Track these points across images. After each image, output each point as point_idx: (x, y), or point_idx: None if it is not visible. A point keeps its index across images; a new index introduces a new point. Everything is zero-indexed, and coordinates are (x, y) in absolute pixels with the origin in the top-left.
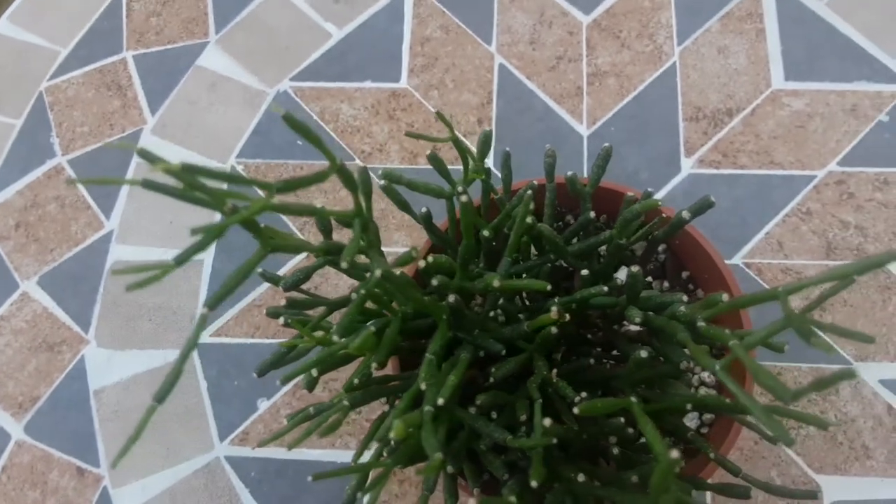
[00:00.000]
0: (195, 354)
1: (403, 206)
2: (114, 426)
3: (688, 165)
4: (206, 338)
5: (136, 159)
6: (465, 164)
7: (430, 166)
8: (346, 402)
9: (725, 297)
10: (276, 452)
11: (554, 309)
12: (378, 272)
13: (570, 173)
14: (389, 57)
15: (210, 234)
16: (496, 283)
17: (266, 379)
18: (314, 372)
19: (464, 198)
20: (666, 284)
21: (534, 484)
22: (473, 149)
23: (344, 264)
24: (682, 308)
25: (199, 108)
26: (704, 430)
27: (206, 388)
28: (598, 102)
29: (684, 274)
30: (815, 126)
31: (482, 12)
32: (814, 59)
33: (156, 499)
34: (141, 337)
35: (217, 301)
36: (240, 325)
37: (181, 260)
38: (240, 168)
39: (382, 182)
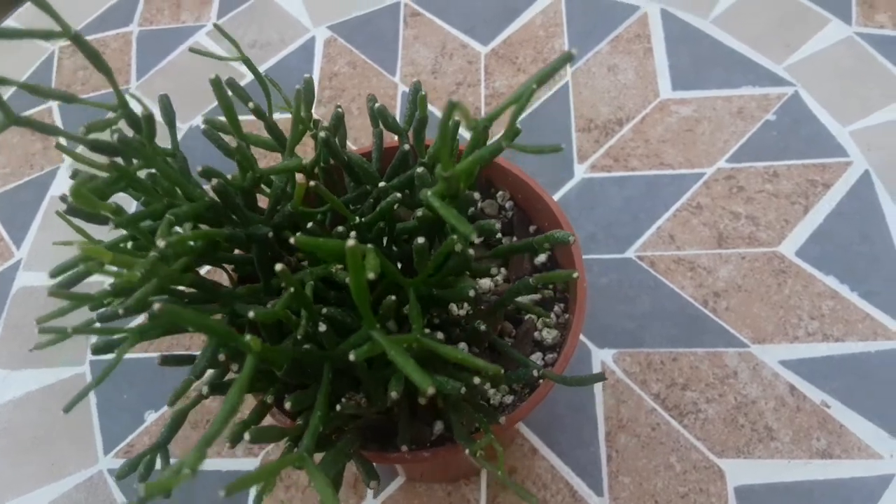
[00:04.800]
0: (87, 371)
1: (228, 152)
2: (3, 442)
3: (581, 171)
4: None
5: (49, 192)
6: (265, 88)
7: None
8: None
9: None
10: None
11: (299, 176)
12: (117, 139)
13: (377, 105)
14: None
15: None
16: (235, 143)
17: (155, 391)
18: (108, 286)
19: (220, 83)
20: (515, 239)
21: (251, 315)
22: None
23: (82, 131)
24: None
25: None
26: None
27: (95, 403)
28: (496, 120)
29: (531, 228)
30: (702, 129)
31: (387, 49)
32: (700, 70)
33: None
34: (37, 357)
35: None
36: None
37: None
38: None
39: (203, 127)
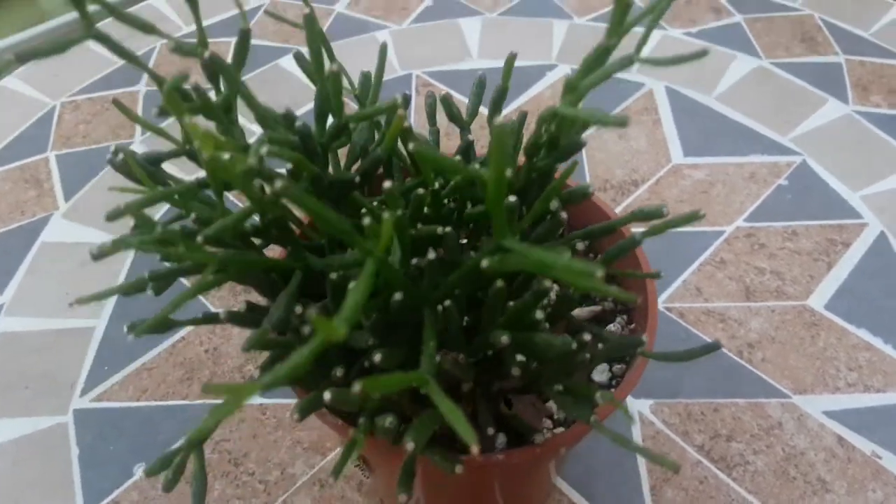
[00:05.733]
0: (70, 420)
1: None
2: None
3: None
4: (85, 403)
5: (40, 239)
6: (332, 59)
7: None
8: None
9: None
10: None
11: (401, 111)
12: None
13: (442, 94)
14: None
15: None
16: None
17: (146, 443)
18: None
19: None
20: None
21: (367, 221)
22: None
23: (171, 46)
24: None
25: (115, 195)
26: (615, 382)
27: (77, 455)
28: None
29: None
30: (717, 191)
31: None
32: (709, 139)
33: None
34: (14, 405)
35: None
36: (125, 390)
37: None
38: None
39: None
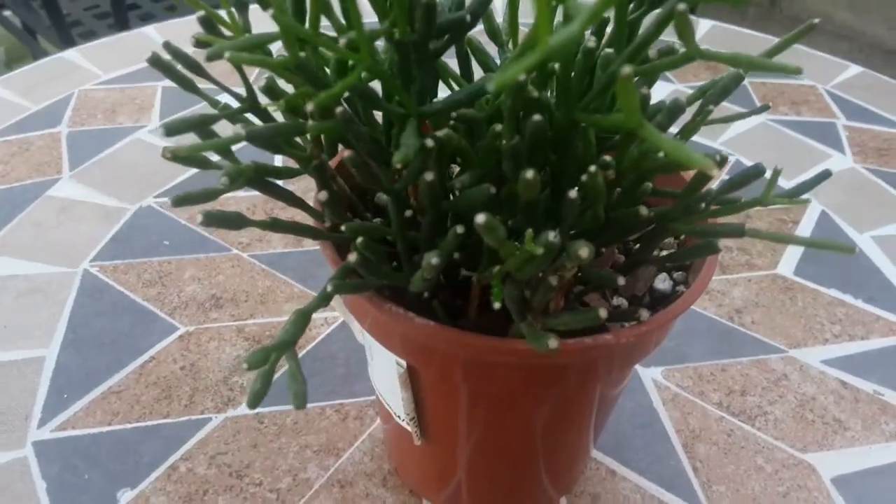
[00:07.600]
0: (30, 454)
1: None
2: None
3: None
4: (45, 434)
5: None
6: None
7: (316, 247)
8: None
9: None
10: None
11: None
12: None
13: None
14: None
15: None
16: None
17: (129, 466)
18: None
19: None
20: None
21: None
22: None
23: None
24: None
25: (47, 228)
26: (680, 289)
27: (44, 488)
28: None
29: None
30: None
31: None
32: None
33: None
34: None
35: None
36: (92, 416)
37: None
38: (94, 270)
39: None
